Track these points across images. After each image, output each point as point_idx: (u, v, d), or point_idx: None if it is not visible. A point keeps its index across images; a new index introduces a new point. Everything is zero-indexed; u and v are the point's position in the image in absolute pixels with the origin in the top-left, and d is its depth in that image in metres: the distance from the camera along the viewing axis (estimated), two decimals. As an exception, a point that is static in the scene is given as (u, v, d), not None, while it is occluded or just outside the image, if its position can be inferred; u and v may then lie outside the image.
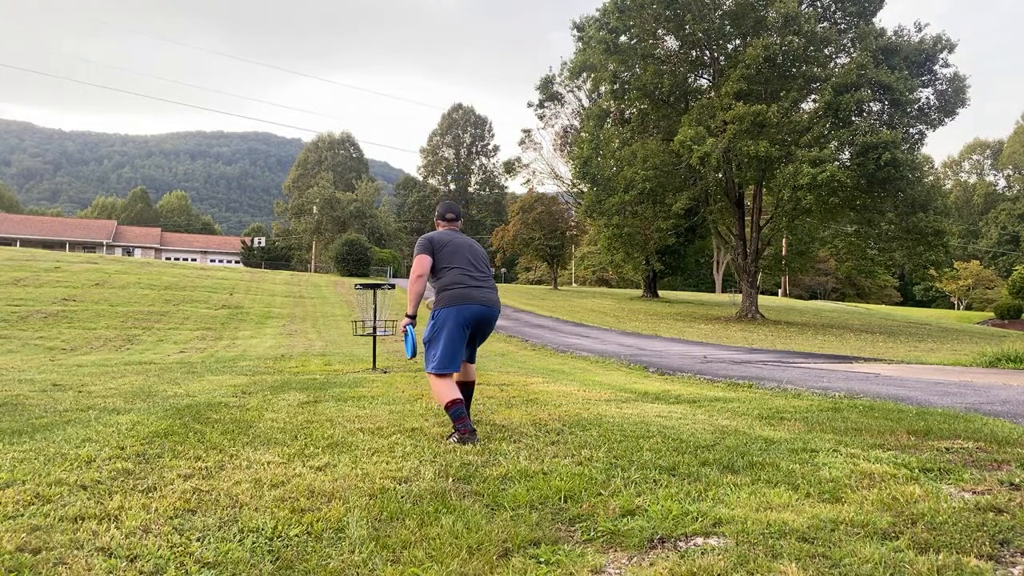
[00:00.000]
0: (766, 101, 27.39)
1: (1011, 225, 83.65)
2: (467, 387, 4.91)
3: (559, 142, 49.90)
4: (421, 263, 4.61)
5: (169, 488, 3.13)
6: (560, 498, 2.99)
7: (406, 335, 4.66)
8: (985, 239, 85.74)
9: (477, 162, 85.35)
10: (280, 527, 2.62)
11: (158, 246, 72.40)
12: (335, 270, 51.86)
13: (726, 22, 28.83)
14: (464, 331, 4.55)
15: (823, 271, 65.19)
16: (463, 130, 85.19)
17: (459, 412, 4.34)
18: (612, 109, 35.46)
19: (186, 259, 67.37)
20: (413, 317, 4.65)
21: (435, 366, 4.47)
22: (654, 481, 3.26)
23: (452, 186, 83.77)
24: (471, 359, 4.89)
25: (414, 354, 4.66)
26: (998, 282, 69.36)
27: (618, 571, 2.27)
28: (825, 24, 28.55)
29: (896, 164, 24.86)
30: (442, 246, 4.69)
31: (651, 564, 2.30)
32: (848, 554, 2.31)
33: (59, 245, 61.06)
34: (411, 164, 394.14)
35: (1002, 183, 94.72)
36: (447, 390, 4.40)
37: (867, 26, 27.88)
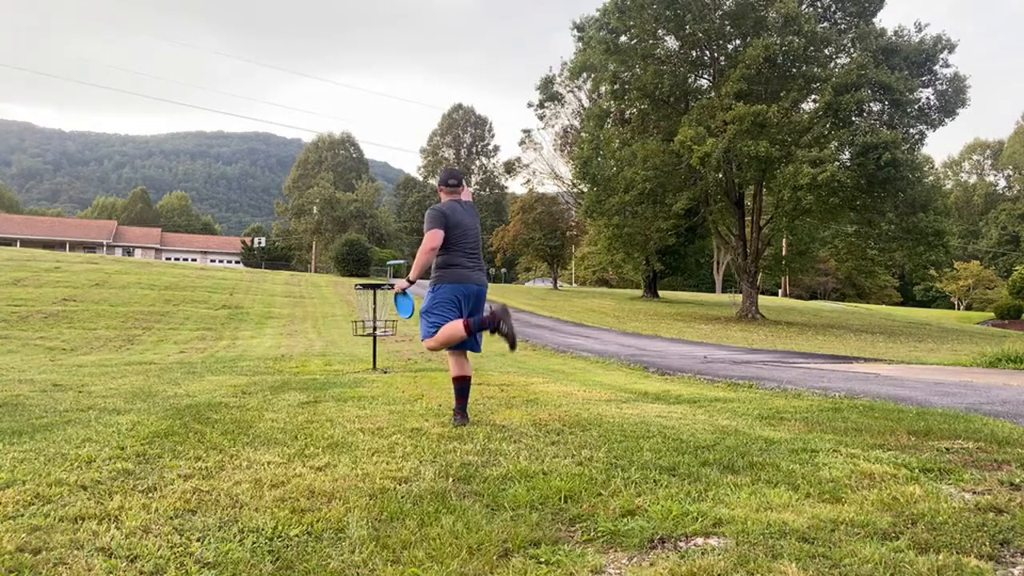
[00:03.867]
0: (766, 101, 27.39)
1: (1011, 225, 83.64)
2: (463, 381, 4.94)
3: (559, 142, 49.97)
4: (436, 237, 4.76)
5: (169, 488, 3.13)
6: (560, 498, 2.99)
7: (404, 296, 5.01)
8: (985, 239, 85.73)
9: (477, 162, 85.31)
10: (280, 527, 2.62)
11: (158, 246, 72.41)
12: (335, 270, 51.84)
13: (726, 22, 28.83)
14: (462, 304, 4.81)
15: (823, 271, 65.19)
16: (463, 130, 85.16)
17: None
18: (612, 109, 35.46)
19: (186, 259, 67.36)
20: (412, 283, 4.83)
21: (425, 331, 4.79)
22: (654, 481, 3.26)
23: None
24: (476, 347, 5.01)
25: (411, 314, 5.14)
26: (998, 282, 69.32)
27: (618, 571, 2.27)
28: (825, 24, 28.57)
29: (896, 164, 24.87)
30: (455, 225, 4.83)
31: (651, 564, 2.30)
32: (848, 554, 2.31)
33: (59, 245, 61.05)
34: (411, 164, 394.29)
35: (1002, 183, 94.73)
36: (451, 334, 4.68)
37: (867, 26, 27.89)
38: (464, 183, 5.15)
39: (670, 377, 9.94)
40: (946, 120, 28.73)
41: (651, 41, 30.29)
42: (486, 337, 5.04)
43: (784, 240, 37.41)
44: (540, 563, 2.31)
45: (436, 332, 4.72)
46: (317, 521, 2.70)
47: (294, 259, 73.95)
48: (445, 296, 4.76)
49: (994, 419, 5.17)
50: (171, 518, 2.72)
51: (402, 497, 3.02)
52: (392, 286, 10.84)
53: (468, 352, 5.01)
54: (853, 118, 26.91)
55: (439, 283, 4.81)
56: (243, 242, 71.25)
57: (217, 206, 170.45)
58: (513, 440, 4.29)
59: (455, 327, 4.64)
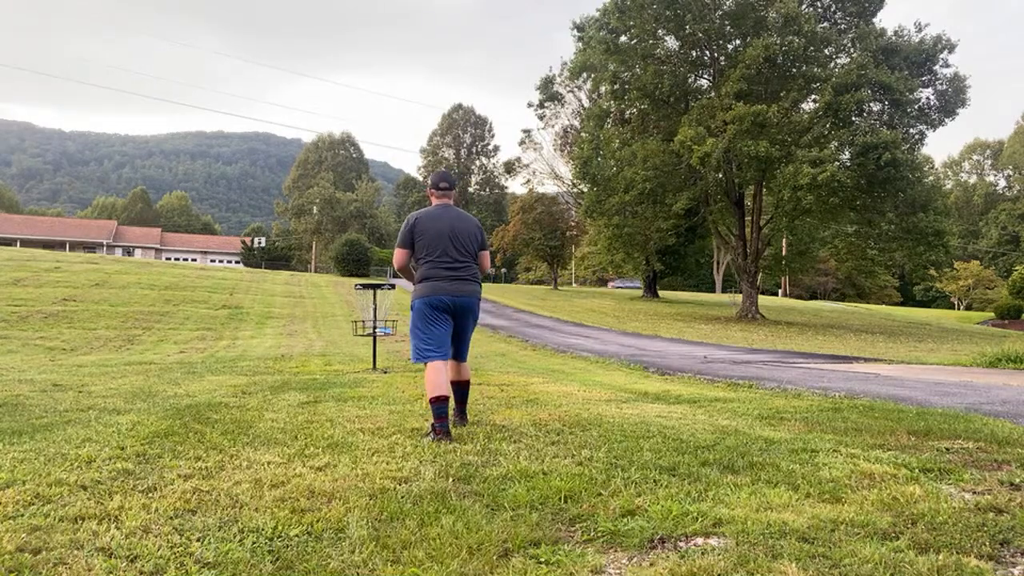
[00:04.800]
0: (766, 101, 27.38)
1: (1011, 225, 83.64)
2: (461, 386, 4.90)
3: (559, 142, 49.95)
4: (398, 259, 4.76)
5: (169, 488, 3.13)
6: (560, 498, 2.99)
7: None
8: (985, 239, 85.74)
9: (477, 162, 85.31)
10: (280, 527, 2.62)
11: (158, 246, 72.38)
12: (335, 270, 51.84)
13: (726, 22, 28.83)
14: (441, 317, 4.59)
15: (823, 271, 65.17)
16: (463, 130, 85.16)
17: (440, 411, 4.34)
18: (612, 109, 35.45)
19: (186, 259, 67.33)
20: None
21: (414, 354, 4.64)
22: (654, 481, 3.26)
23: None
24: (460, 356, 4.85)
25: None
26: (998, 282, 69.32)
27: (618, 571, 2.27)
28: (825, 24, 28.56)
29: (896, 164, 24.86)
30: (423, 233, 4.63)
31: (651, 564, 2.30)
32: (848, 554, 2.31)
33: (59, 245, 61.02)
34: (411, 164, 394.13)
35: (1002, 183, 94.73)
36: (433, 384, 4.42)
37: (867, 26, 27.88)
38: (454, 187, 4.92)
39: (670, 377, 9.94)
40: (946, 120, 28.71)
41: (651, 41, 30.27)
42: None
43: (784, 240, 37.40)
44: (540, 563, 2.31)
45: (417, 355, 4.59)
46: (317, 521, 2.70)
47: (294, 259, 73.93)
48: (418, 313, 4.61)
49: (994, 419, 5.17)
50: (171, 518, 2.72)
51: (402, 497, 3.02)
52: (392, 286, 10.88)
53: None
54: (853, 118, 26.90)
55: (413, 299, 4.68)
56: (243, 242, 71.24)
57: (217, 206, 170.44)
58: (513, 440, 4.29)
59: (433, 385, 4.39)
